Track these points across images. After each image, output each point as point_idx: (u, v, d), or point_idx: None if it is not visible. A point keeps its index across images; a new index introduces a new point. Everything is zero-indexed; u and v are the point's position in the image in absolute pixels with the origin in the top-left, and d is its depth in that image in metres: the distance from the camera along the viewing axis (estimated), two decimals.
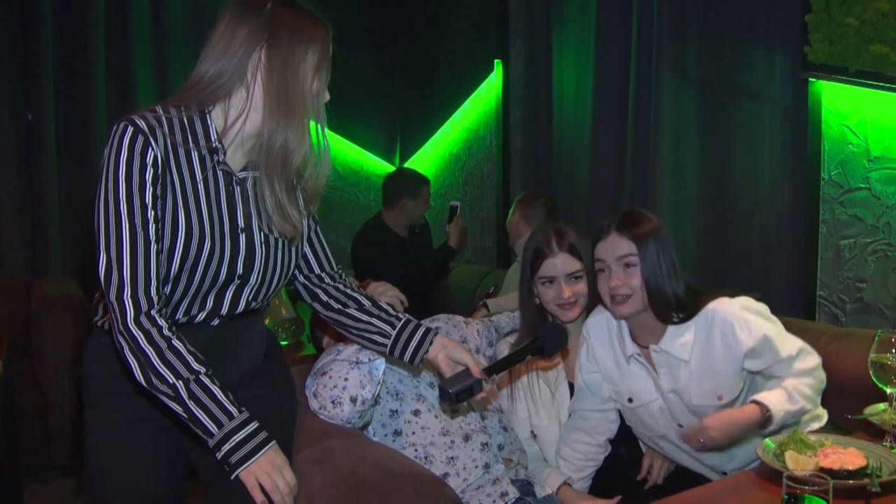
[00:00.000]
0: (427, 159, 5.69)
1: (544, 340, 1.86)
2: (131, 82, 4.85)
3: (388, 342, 1.81)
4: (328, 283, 1.85)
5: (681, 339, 1.98)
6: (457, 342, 1.85)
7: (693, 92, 3.64)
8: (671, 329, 1.99)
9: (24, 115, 4.57)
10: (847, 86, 2.96)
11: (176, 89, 4.74)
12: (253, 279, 1.64)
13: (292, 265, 1.75)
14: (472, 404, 2.08)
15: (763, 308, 1.99)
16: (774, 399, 1.84)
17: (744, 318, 1.92)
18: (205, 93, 1.55)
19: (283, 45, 1.54)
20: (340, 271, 1.90)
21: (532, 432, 2.28)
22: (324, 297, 1.85)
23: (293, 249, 1.73)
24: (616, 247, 2.01)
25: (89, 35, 4.69)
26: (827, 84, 3.04)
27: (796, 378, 1.91)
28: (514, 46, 4.83)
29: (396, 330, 1.81)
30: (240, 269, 1.61)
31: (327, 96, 1.64)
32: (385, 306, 1.86)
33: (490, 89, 5.03)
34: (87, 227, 4.66)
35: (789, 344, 1.94)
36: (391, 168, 5.93)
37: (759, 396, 1.86)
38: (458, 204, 4.37)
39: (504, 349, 2.35)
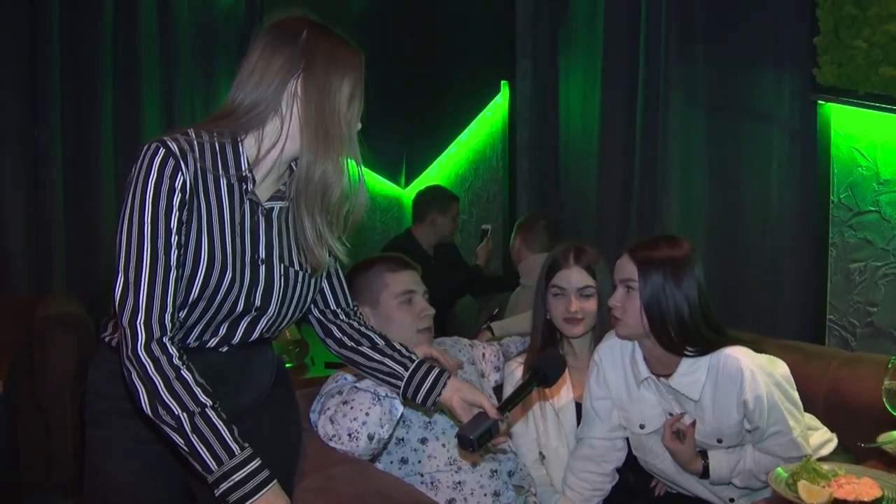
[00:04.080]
0: (433, 180, 5.68)
1: (545, 370, 1.84)
2: (138, 102, 4.85)
3: (401, 383, 1.78)
4: (342, 320, 1.83)
5: (691, 377, 1.96)
6: (470, 384, 1.82)
7: (701, 114, 3.63)
8: (684, 364, 1.96)
9: (31, 133, 4.57)
10: (856, 108, 2.95)
11: (183, 110, 4.75)
12: (270, 311, 1.62)
13: (310, 298, 1.72)
14: (490, 447, 2.04)
15: (779, 372, 1.95)
16: (720, 467, 1.97)
17: (754, 373, 1.89)
18: (240, 122, 1.53)
19: (320, 74, 1.52)
20: (355, 307, 1.87)
21: (541, 453, 2.26)
22: (337, 334, 1.82)
23: (312, 282, 1.70)
24: (622, 268, 2.01)
25: (97, 54, 4.69)
26: (836, 106, 3.02)
27: (760, 454, 1.95)
28: (520, 68, 4.83)
29: (409, 371, 1.78)
30: (257, 301, 1.59)
31: (359, 126, 1.61)
32: (399, 346, 1.82)
33: (496, 111, 5.03)
34: (92, 245, 4.66)
35: (779, 420, 1.91)
36: (397, 189, 5.94)
37: (712, 459, 1.98)
38: (490, 227, 4.39)
39: (514, 369, 2.33)
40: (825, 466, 1.68)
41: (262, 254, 1.59)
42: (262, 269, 1.58)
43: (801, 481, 1.62)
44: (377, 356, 1.79)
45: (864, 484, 1.60)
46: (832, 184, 3.08)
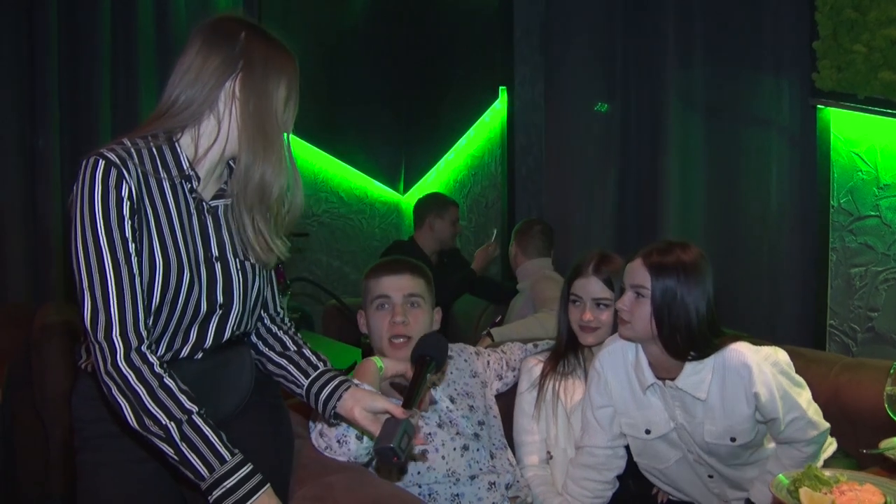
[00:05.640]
0: (432, 186, 5.68)
1: (430, 356, 1.75)
2: (136, 108, 4.84)
3: (302, 392, 1.73)
4: (261, 324, 1.78)
5: (698, 376, 1.95)
6: (371, 391, 1.72)
7: (700, 118, 3.63)
8: (688, 366, 1.95)
9: (29, 140, 4.56)
10: (856, 113, 2.94)
11: None
12: (235, 307, 1.61)
13: (266, 287, 1.72)
14: (411, 453, 1.94)
15: (782, 359, 1.96)
16: (763, 495, 1.95)
17: (761, 366, 1.89)
18: (174, 120, 1.53)
19: (258, 75, 1.54)
20: (282, 314, 1.83)
21: (548, 453, 2.26)
22: (252, 338, 1.78)
23: (265, 273, 1.70)
24: (632, 273, 1.99)
25: (94, 60, 4.68)
26: (835, 111, 3.02)
27: (781, 449, 1.97)
28: (518, 73, 4.83)
29: (309, 380, 1.72)
30: (220, 299, 1.58)
31: (290, 128, 1.62)
32: (309, 354, 1.76)
33: (495, 116, 5.02)
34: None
35: (794, 406, 1.91)
36: (396, 195, 5.94)
37: (753, 496, 2.00)
38: (496, 231, 4.43)
39: (532, 366, 2.34)
40: (827, 473, 1.66)
41: (215, 251, 1.58)
42: (218, 266, 1.58)
43: (802, 488, 1.61)
44: (283, 362, 1.75)
45: (867, 491, 1.58)
46: (832, 188, 3.07)
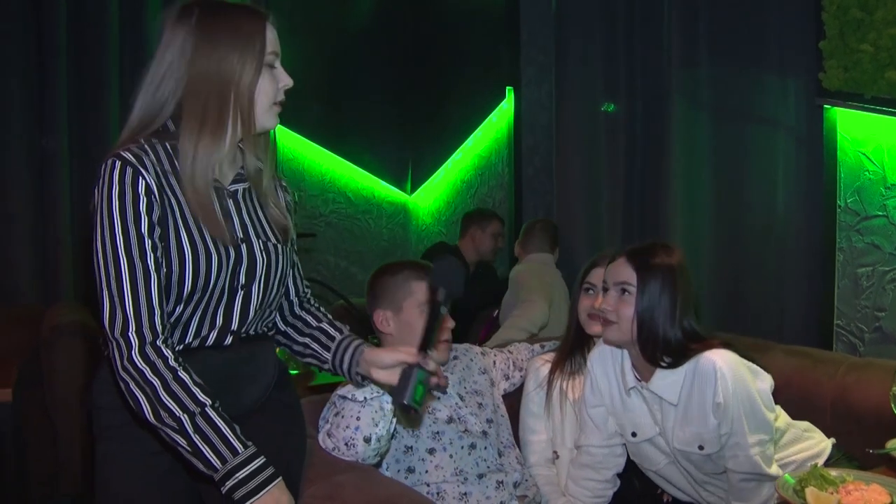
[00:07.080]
0: (439, 187, 5.69)
1: (443, 283, 1.64)
2: None
3: (330, 367, 1.77)
4: (289, 309, 1.82)
5: (669, 380, 1.93)
6: (379, 349, 1.74)
7: (705, 118, 3.63)
8: (660, 370, 1.94)
9: (38, 142, 4.58)
10: (863, 112, 2.94)
11: None
12: (257, 287, 1.63)
13: (288, 268, 1.74)
14: (428, 397, 1.89)
15: (759, 387, 1.89)
16: None
17: (726, 378, 1.84)
18: (170, 133, 1.55)
19: (208, 51, 1.52)
20: (308, 294, 1.86)
21: (554, 451, 2.27)
22: (281, 325, 1.82)
23: (287, 251, 1.72)
24: (618, 271, 1.97)
25: (103, 61, 4.70)
26: (842, 111, 3.02)
27: (735, 480, 1.90)
28: (525, 74, 4.83)
29: (331, 354, 1.77)
30: (242, 280, 1.61)
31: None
32: (327, 327, 1.80)
33: (502, 117, 5.03)
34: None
35: (738, 432, 1.86)
36: (403, 195, 5.95)
37: None
38: None
39: (538, 366, 2.35)
40: (833, 473, 1.67)
41: (240, 233, 1.61)
42: (244, 247, 1.61)
43: (808, 487, 1.61)
44: (307, 341, 1.79)
45: (873, 490, 1.59)
46: (839, 188, 3.07)
